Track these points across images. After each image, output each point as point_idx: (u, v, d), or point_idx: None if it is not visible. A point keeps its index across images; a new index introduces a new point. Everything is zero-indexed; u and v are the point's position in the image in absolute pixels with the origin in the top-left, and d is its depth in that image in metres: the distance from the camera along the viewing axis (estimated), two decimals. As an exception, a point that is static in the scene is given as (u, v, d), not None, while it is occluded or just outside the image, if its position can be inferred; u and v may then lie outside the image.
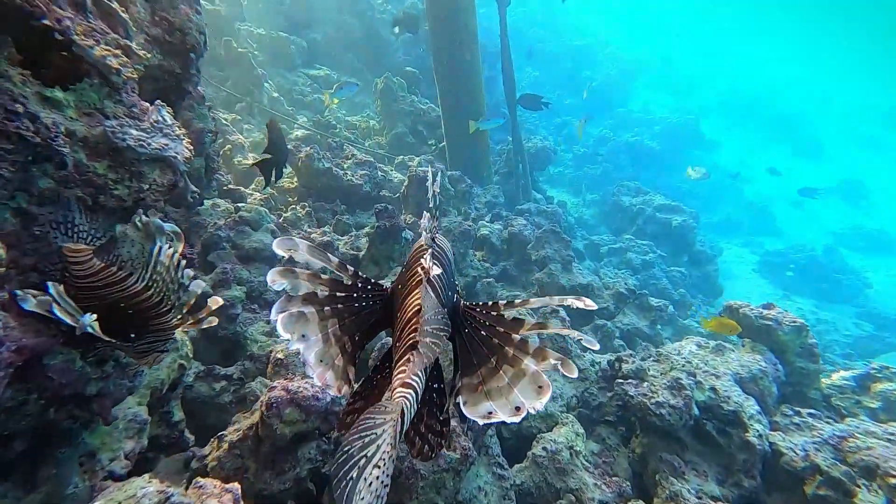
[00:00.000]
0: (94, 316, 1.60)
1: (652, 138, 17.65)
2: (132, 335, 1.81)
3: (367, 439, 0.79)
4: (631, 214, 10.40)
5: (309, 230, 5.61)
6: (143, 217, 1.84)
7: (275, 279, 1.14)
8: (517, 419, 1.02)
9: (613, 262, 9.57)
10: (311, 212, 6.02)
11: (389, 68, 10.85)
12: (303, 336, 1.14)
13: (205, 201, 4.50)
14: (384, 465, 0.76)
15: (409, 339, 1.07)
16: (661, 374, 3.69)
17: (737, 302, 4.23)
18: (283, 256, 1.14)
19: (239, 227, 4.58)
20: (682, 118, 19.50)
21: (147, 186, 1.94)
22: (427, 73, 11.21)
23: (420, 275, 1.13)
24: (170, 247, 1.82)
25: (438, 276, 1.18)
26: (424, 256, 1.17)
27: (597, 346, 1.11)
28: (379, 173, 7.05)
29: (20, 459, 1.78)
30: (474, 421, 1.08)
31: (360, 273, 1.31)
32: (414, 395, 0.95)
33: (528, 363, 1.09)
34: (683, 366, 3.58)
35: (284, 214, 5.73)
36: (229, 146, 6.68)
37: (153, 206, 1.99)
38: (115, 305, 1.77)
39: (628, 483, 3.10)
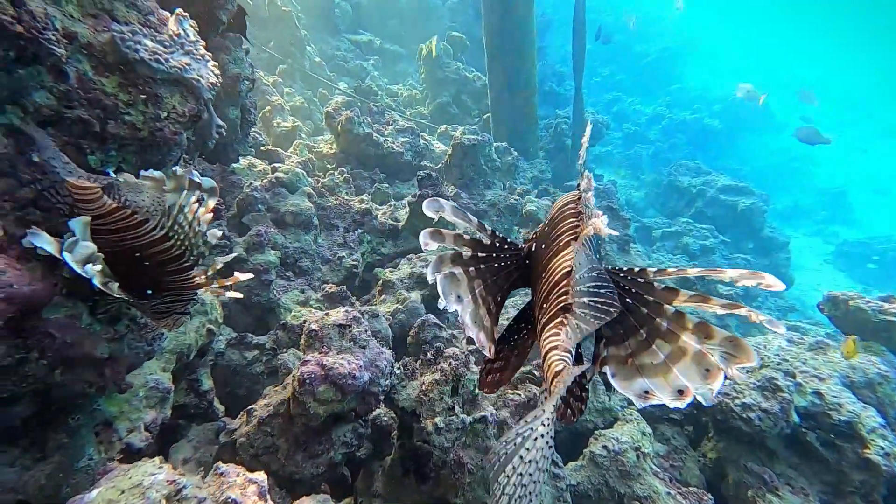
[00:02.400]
0: (99, 267, 1.30)
1: (712, 117, 16.14)
2: (149, 291, 1.52)
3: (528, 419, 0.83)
4: (689, 196, 9.50)
5: (347, 197, 5.31)
6: (177, 170, 1.51)
7: (427, 241, 1.13)
8: (682, 404, 0.92)
9: (668, 247, 8.80)
10: (350, 178, 5.71)
11: (433, 34, 10.26)
12: (458, 297, 1.13)
13: (240, 159, 4.25)
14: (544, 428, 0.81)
15: (560, 302, 1.03)
16: (748, 371, 3.15)
17: (844, 292, 3.57)
18: (434, 218, 1.15)
19: (275, 188, 4.32)
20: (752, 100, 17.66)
21: (165, 114, 1.61)
22: (474, 41, 10.55)
23: (569, 235, 1.14)
24: (198, 200, 1.50)
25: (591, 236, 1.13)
26: (582, 213, 1.15)
27: (783, 330, 0.92)
28: (421, 142, 6.63)
29: (28, 425, 1.55)
30: (629, 398, 1.00)
31: (496, 232, 1.29)
32: (570, 358, 0.93)
33: (688, 340, 0.97)
34: (778, 364, 3.02)
35: (322, 180, 5.45)
36: (269, 108, 6.43)
37: (172, 138, 1.67)
38: (129, 254, 1.48)
39: (710, 497, 2.64)
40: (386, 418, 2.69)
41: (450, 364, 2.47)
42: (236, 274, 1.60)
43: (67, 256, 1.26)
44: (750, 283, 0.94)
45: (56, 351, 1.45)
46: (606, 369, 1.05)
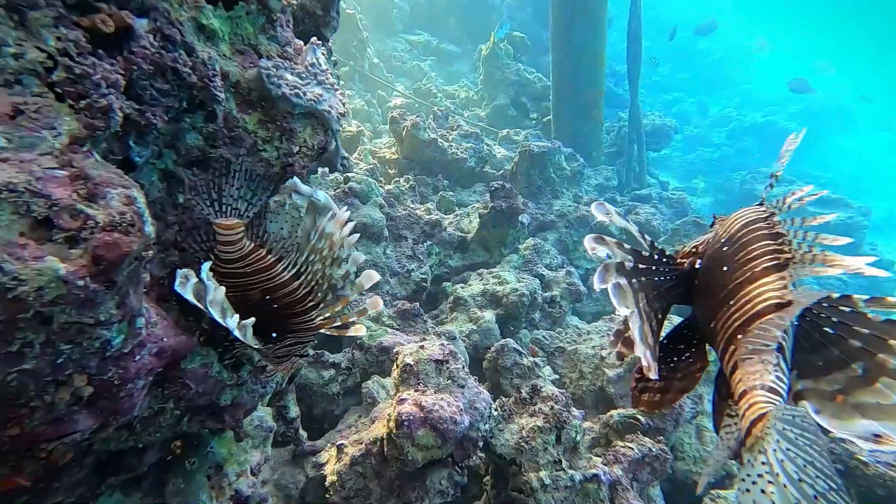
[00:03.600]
0: (237, 318, 1.22)
1: (788, 119, 14.85)
2: (273, 335, 1.44)
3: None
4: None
5: (413, 206, 5.21)
6: (305, 188, 1.42)
7: (594, 247, 1.10)
8: None
9: (739, 266, 8.16)
10: (415, 185, 5.60)
11: (492, 33, 9.99)
12: (626, 309, 1.04)
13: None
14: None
15: (765, 335, 0.96)
16: None
17: None
18: (604, 221, 1.17)
19: (348, 199, 4.27)
20: (830, 97, 16.14)
21: (297, 149, 1.51)
22: (533, 40, 10.20)
23: (768, 260, 1.07)
24: (334, 227, 1.40)
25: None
26: (784, 235, 1.10)
27: None
28: (485, 147, 6.44)
29: (150, 467, 1.51)
30: (845, 438, 0.92)
31: (655, 244, 1.24)
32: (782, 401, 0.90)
33: None
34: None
35: (387, 187, 5.38)
36: (334, 112, 6.43)
37: (300, 173, 1.57)
38: (259, 296, 1.40)
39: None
40: (474, 458, 2.55)
41: (551, 408, 2.29)
42: (368, 302, 1.49)
43: (210, 308, 1.18)
44: None
45: (189, 401, 1.38)
46: (806, 405, 0.97)
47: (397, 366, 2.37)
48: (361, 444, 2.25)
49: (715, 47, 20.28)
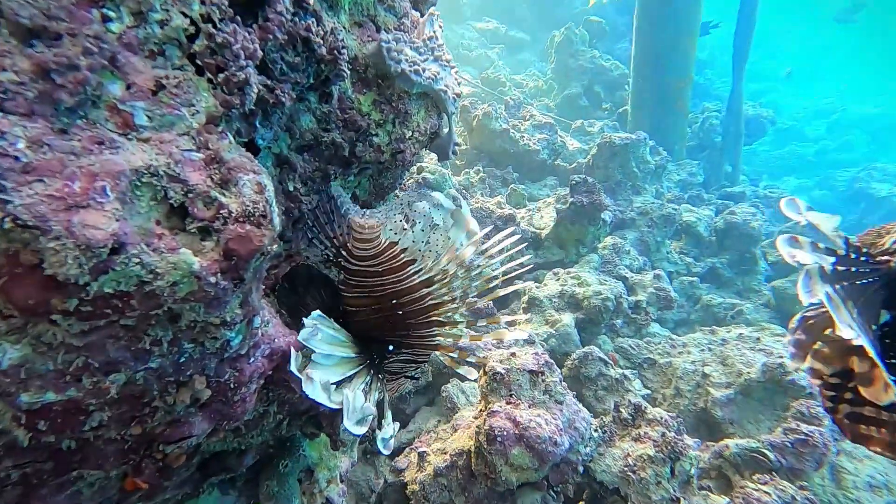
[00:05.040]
0: (393, 425, 1.16)
1: (908, 109, 12.85)
2: (391, 347, 1.31)
3: None
4: (890, 207, 7.59)
5: (483, 198, 5.01)
6: (446, 201, 1.26)
7: (793, 252, 0.96)
8: None
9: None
10: (485, 177, 5.40)
11: (563, 20, 9.46)
12: (851, 330, 0.87)
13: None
14: None
15: None
16: None
17: None
18: (799, 222, 1.05)
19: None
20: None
21: (409, 133, 1.36)
22: (610, 26, 9.55)
23: None
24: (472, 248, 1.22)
25: None
26: None
27: None
28: (558, 139, 6.08)
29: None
30: None
31: (851, 240, 1.09)
32: None
33: None
34: None
35: (457, 179, 5.21)
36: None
37: (410, 160, 1.42)
38: (386, 300, 1.26)
39: None
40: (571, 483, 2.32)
41: (663, 435, 2.00)
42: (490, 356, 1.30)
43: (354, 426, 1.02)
44: None
45: (292, 405, 1.29)
46: None
47: (484, 372, 2.20)
48: (446, 454, 2.11)
49: (815, 33, 18.01)
